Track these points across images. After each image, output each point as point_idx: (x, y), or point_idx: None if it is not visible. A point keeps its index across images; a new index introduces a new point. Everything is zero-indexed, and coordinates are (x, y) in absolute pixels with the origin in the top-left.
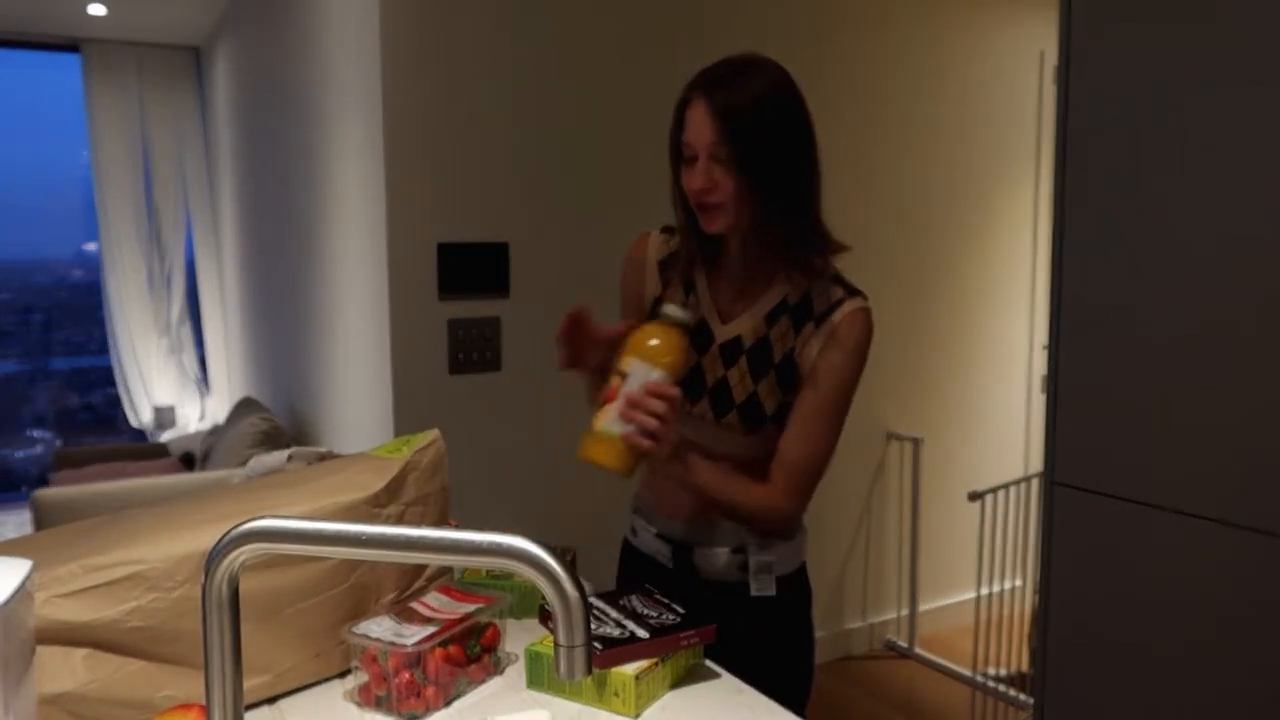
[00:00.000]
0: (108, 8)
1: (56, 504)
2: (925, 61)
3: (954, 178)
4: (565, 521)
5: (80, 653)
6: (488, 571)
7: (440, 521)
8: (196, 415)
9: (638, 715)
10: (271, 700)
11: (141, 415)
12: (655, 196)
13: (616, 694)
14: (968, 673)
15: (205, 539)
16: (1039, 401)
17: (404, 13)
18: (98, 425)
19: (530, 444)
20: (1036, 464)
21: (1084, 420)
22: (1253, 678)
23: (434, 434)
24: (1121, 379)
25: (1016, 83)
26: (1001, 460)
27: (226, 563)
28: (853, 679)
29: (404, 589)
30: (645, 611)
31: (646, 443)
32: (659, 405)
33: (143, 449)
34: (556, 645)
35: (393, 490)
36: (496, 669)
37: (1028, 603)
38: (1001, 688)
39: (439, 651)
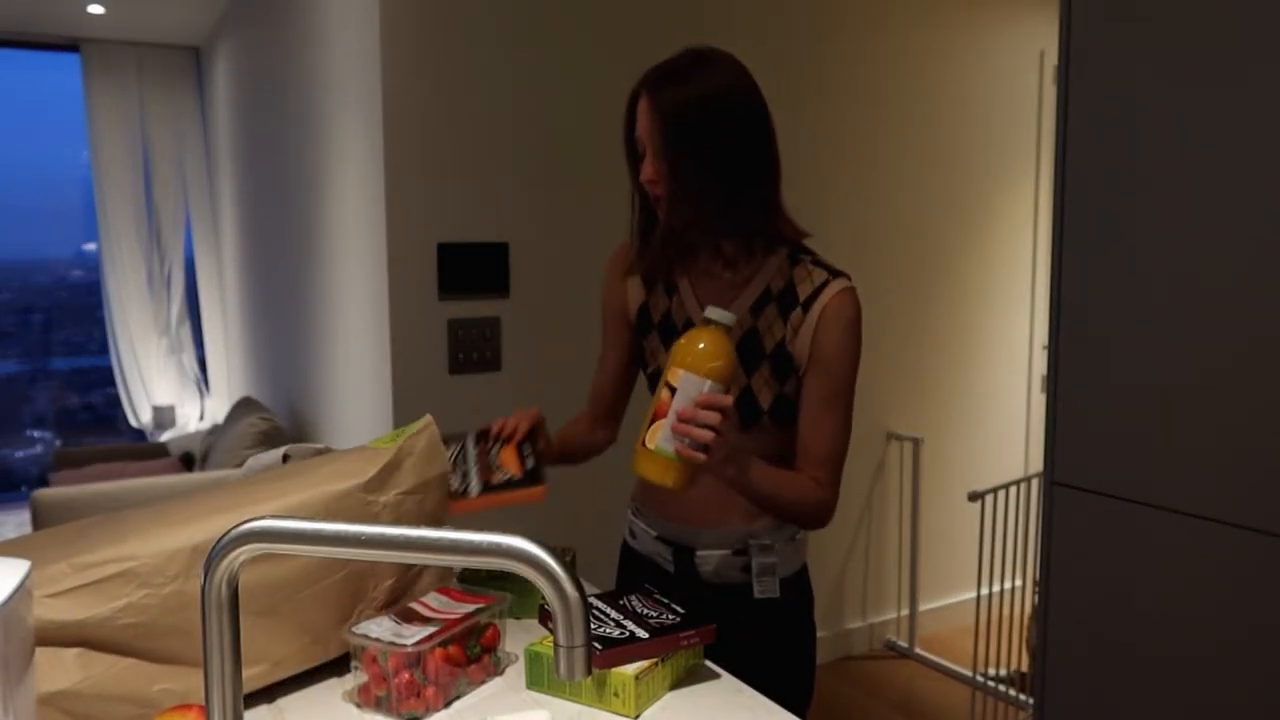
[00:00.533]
0: (107, 7)
1: (56, 504)
2: (925, 61)
3: (954, 178)
4: (565, 522)
5: (71, 652)
6: (488, 571)
7: (441, 507)
8: (196, 415)
9: (637, 715)
10: (271, 700)
11: (141, 415)
12: None
13: (616, 694)
14: (968, 673)
15: (196, 534)
16: (1039, 401)
17: (404, 13)
18: (97, 425)
19: None
20: (1036, 464)
21: (1084, 420)
22: (1253, 678)
23: (426, 419)
24: (1121, 379)
25: (1016, 83)
26: (1001, 460)
27: (226, 563)
28: (853, 679)
29: (401, 575)
30: (645, 612)
31: (701, 456)
32: (712, 417)
33: (142, 449)
34: (556, 645)
35: (385, 477)
36: (496, 669)
37: (1028, 603)
38: (1001, 688)
39: (439, 652)
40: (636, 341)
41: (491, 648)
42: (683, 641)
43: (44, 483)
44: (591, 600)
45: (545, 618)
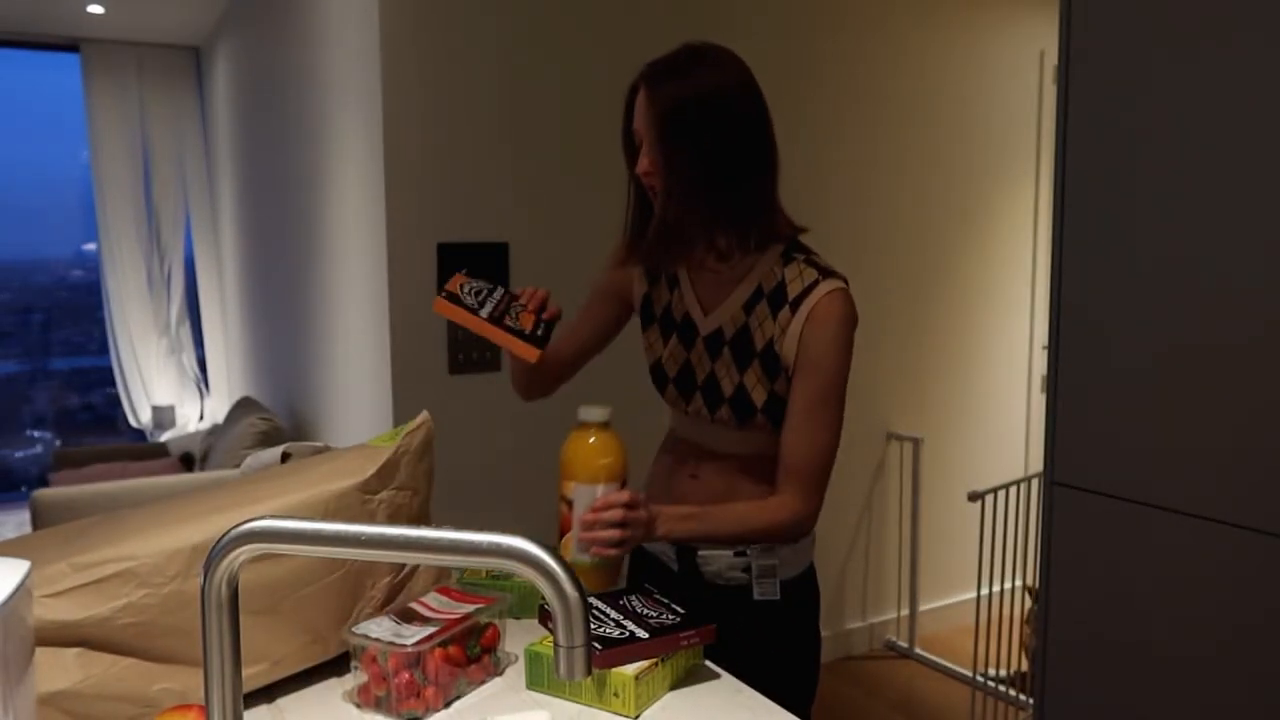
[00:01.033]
0: (107, 7)
1: (56, 504)
2: (925, 61)
3: (954, 178)
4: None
5: (71, 651)
6: (487, 571)
7: (427, 504)
8: (196, 415)
9: (637, 715)
10: (271, 700)
11: (141, 415)
12: None
13: (616, 694)
14: (968, 673)
15: (195, 533)
16: (1039, 401)
17: (403, 13)
18: (97, 425)
19: (529, 444)
20: (1036, 464)
21: (1084, 420)
22: (1253, 678)
23: (423, 416)
24: (1121, 379)
25: (1016, 83)
26: (1001, 460)
27: (226, 563)
28: (853, 679)
29: (399, 571)
30: (645, 611)
31: (614, 552)
32: (613, 515)
33: (142, 449)
34: (556, 645)
35: (384, 476)
36: (496, 669)
37: (1028, 603)
38: (1001, 688)
39: (439, 652)
40: (618, 327)
41: (491, 648)
42: (683, 641)
43: (44, 483)
44: (591, 600)
45: (545, 618)
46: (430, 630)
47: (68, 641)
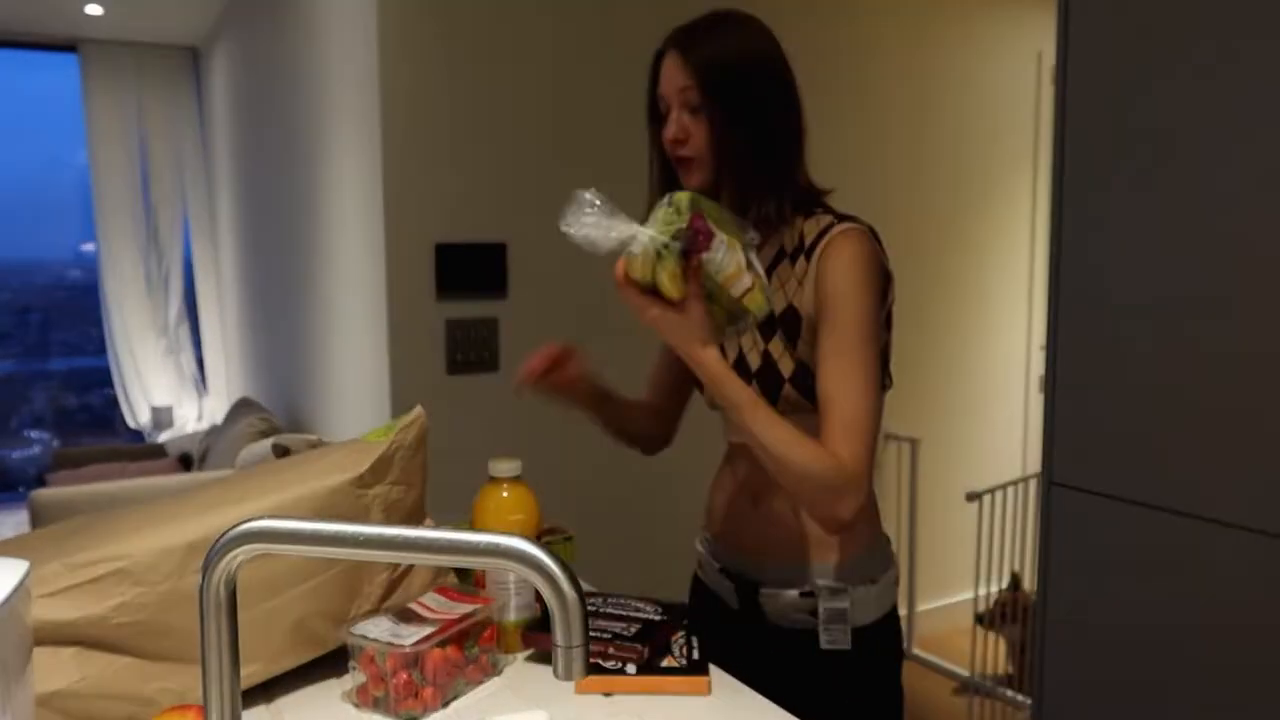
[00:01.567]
0: (105, 8)
1: (54, 504)
2: (923, 61)
3: (951, 178)
4: (563, 522)
5: (68, 651)
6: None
7: (422, 498)
8: (194, 415)
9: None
10: (269, 700)
11: (139, 416)
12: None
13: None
14: (965, 673)
15: (190, 531)
16: (1037, 401)
17: (401, 13)
18: (95, 426)
19: (528, 444)
20: (1034, 464)
21: (1082, 420)
22: (1252, 678)
23: (417, 411)
24: (1120, 379)
25: (1015, 83)
26: (999, 460)
27: (224, 564)
28: None
29: (395, 567)
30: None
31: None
32: None
33: (140, 449)
34: (555, 646)
35: (379, 471)
36: (494, 670)
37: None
38: (999, 688)
39: (437, 652)
40: None
41: (490, 648)
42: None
43: (42, 483)
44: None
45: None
46: (428, 630)
47: (64, 641)
